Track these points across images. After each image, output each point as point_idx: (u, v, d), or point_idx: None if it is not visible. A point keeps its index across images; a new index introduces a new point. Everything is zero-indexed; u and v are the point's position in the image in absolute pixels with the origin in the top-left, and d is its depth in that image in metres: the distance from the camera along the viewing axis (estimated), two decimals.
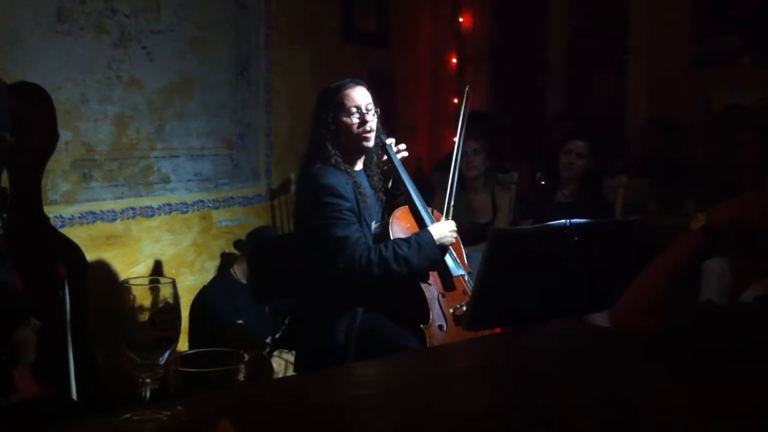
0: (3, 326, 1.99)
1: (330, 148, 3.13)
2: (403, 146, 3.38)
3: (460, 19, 6.54)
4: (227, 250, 4.77)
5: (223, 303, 4.26)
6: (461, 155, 3.62)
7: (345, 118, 3.14)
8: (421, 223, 3.24)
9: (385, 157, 3.34)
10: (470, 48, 6.56)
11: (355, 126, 3.14)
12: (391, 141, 3.33)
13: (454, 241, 3.23)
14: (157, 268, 4.40)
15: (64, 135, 3.76)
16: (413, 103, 6.28)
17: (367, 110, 3.16)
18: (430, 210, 3.35)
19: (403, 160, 3.38)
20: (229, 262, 4.66)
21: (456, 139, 3.54)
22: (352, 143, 3.17)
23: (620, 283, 1.97)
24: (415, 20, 6.34)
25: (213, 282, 4.52)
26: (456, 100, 6.50)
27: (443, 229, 3.17)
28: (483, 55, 6.57)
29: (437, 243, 3.12)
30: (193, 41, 4.49)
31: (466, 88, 3.61)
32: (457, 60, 6.57)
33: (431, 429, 1.47)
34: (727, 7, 5.56)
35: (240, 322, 4.25)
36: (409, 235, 3.17)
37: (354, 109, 3.14)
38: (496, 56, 6.61)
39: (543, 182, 4.91)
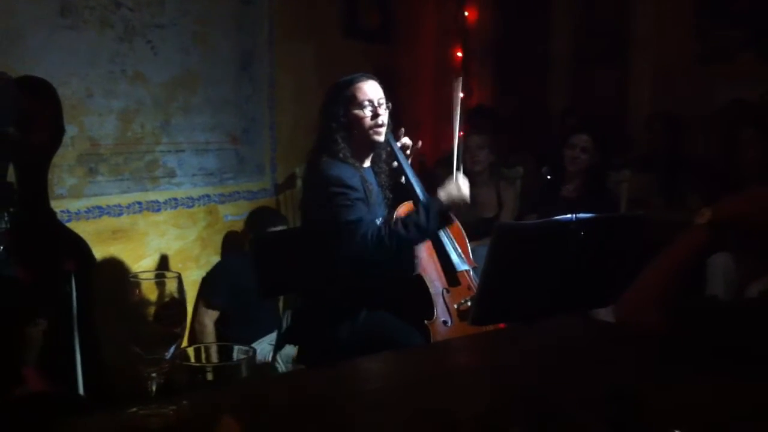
0: (15, 323, 2.00)
1: (339, 142, 3.11)
2: (407, 141, 3.38)
3: (466, 14, 6.52)
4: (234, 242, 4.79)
5: (224, 276, 4.29)
6: (465, 150, 3.60)
7: (357, 111, 3.12)
8: None
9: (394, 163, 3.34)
10: (474, 43, 6.55)
11: (368, 119, 3.12)
12: (403, 140, 3.34)
13: (466, 196, 3.14)
14: (163, 263, 4.40)
15: (70, 129, 3.76)
16: (417, 99, 6.27)
17: (379, 104, 3.14)
18: None
19: (408, 152, 3.37)
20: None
21: (455, 136, 3.50)
22: (362, 137, 3.15)
23: (625, 277, 1.97)
24: (418, 15, 6.33)
25: (228, 260, 4.53)
26: (461, 95, 6.48)
27: (451, 188, 3.11)
28: (487, 50, 6.56)
29: (446, 203, 3.06)
30: (196, 36, 4.49)
31: (458, 79, 3.52)
32: (462, 55, 6.56)
33: (433, 426, 1.47)
34: (730, 2, 5.54)
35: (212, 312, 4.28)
36: None
37: (366, 103, 3.12)
38: (500, 51, 6.60)
39: (548, 177, 4.91)
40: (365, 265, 3.03)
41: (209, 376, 1.31)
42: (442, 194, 3.09)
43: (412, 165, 3.39)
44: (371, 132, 3.14)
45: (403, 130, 3.38)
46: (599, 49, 6.38)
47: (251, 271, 3.65)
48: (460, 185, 3.14)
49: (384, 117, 3.15)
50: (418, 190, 3.27)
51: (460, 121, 3.45)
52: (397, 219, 3.05)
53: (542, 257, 2.00)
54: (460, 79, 3.50)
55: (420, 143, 3.43)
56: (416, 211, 3.05)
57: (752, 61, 5.44)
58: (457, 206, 3.13)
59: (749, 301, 2.66)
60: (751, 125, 4.64)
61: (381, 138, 3.17)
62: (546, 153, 5.48)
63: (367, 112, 3.12)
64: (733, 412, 1.52)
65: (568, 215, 2.01)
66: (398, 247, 2.98)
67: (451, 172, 3.36)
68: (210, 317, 4.33)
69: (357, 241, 2.95)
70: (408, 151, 3.38)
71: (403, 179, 3.35)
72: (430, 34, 6.47)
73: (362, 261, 3.00)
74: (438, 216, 3.04)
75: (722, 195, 1.89)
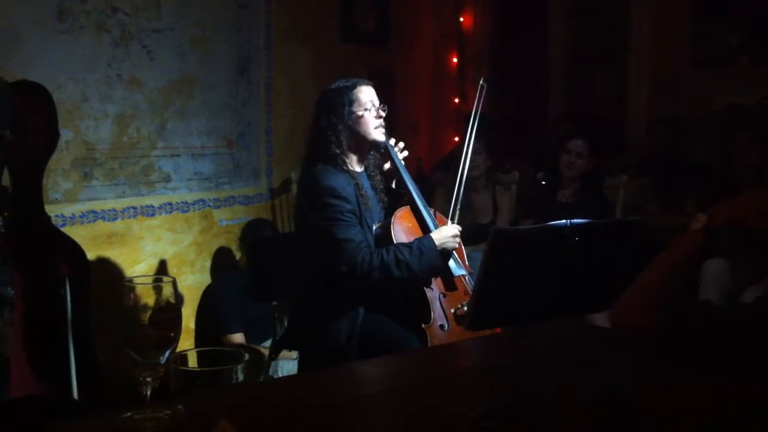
0: None
1: (334, 148, 3.15)
2: (401, 145, 3.39)
3: (461, 19, 6.53)
4: (229, 247, 4.78)
5: (229, 305, 4.28)
6: (460, 156, 3.60)
7: (363, 112, 3.17)
8: (423, 223, 3.24)
9: (388, 164, 3.35)
10: (471, 47, 6.56)
11: (374, 118, 3.19)
12: (392, 141, 3.35)
13: (456, 246, 3.23)
14: (159, 267, 4.40)
15: (65, 134, 3.76)
16: (413, 103, 6.28)
17: (381, 105, 3.21)
18: (432, 210, 3.35)
19: (404, 159, 3.38)
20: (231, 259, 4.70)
21: (466, 138, 3.49)
22: (365, 137, 3.20)
23: (620, 282, 1.97)
24: (415, 20, 6.34)
25: (219, 282, 4.53)
26: (457, 100, 6.50)
27: (445, 234, 3.17)
28: (483, 54, 6.56)
29: (439, 248, 3.12)
30: (193, 40, 4.49)
31: (481, 82, 3.49)
32: (458, 60, 6.56)
33: (430, 429, 1.47)
34: (727, 6, 5.56)
35: (238, 335, 4.28)
36: (411, 234, 3.18)
37: (370, 104, 3.18)
38: (497, 56, 6.61)
39: (544, 182, 4.91)
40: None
41: (204, 381, 1.31)
42: (437, 240, 3.13)
43: (405, 164, 3.41)
44: (376, 131, 3.20)
45: (398, 143, 3.40)
46: (596, 53, 6.39)
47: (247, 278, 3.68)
48: (456, 233, 3.21)
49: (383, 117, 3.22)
50: (416, 195, 3.29)
51: (474, 128, 3.44)
52: (390, 248, 3.06)
53: (538, 262, 1.99)
54: (485, 84, 3.47)
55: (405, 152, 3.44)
56: (409, 247, 3.06)
57: (749, 65, 5.46)
58: (448, 250, 3.19)
59: (745, 306, 2.66)
60: (748, 129, 4.64)
61: (383, 137, 3.22)
62: (542, 158, 5.49)
63: (373, 113, 3.18)
64: (732, 413, 1.52)
65: (564, 220, 2.01)
66: (386, 279, 3.03)
67: (449, 177, 3.37)
68: None
69: (345, 262, 3.01)
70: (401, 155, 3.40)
71: (394, 183, 3.38)
72: (427, 37, 6.48)
73: (350, 282, 3.05)
74: (429, 263, 3.09)
75: (718, 200, 1.89)
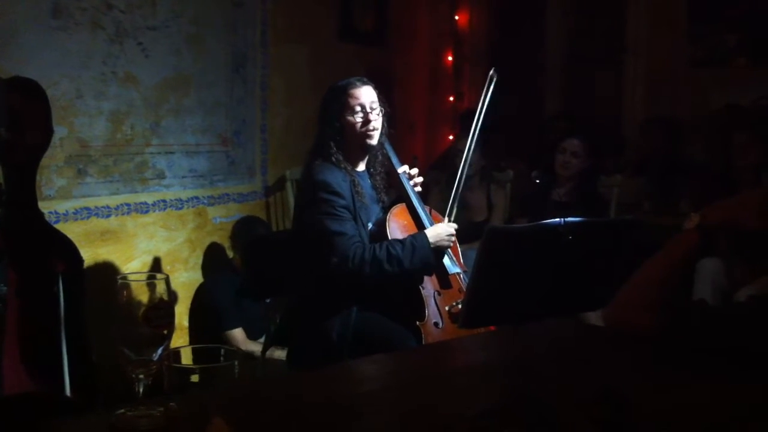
0: None
1: (332, 146, 3.17)
2: (415, 171, 3.39)
3: (456, 18, 6.52)
4: (223, 244, 4.77)
5: (226, 302, 4.27)
6: (456, 154, 3.60)
7: (349, 117, 3.17)
8: (418, 221, 3.24)
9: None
10: (467, 46, 6.55)
11: (359, 125, 3.17)
12: (404, 168, 3.35)
13: (451, 244, 3.22)
14: (152, 264, 4.38)
15: (59, 131, 3.75)
16: (410, 102, 6.27)
17: (371, 109, 3.18)
18: (427, 208, 3.35)
19: (400, 156, 3.39)
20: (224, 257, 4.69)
21: (471, 134, 3.43)
22: (355, 141, 3.20)
23: (615, 281, 1.97)
24: (412, 19, 6.33)
25: (213, 280, 4.51)
26: (452, 98, 6.50)
27: (440, 232, 3.16)
28: (480, 53, 6.56)
29: (432, 246, 3.11)
30: (188, 38, 4.48)
31: (491, 72, 3.34)
32: (454, 59, 6.56)
33: (427, 428, 1.46)
34: (724, 7, 5.56)
35: (238, 330, 4.26)
36: (406, 232, 3.18)
37: (358, 108, 3.17)
38: (494, 55, 6.60)
39: (538, 181, 4.91)
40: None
41: (197, 378, 1.30)
42: (431, 237, 3.12)
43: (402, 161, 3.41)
44: (363, 136, 3.18)
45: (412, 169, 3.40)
46: (595, 53, 6.39)
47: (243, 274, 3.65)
48: (452, 232, 3.20)
49: (376, 122, 3.19)
50: (411, 192, 3.29)
51: (480, 122, 3.37)
52: (383, 243, 3.06)
53: (532, 260, 1.99)
54: (495, 74, 3.33)
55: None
56: (402, 243, 3.06)
57: (746, 65, 5.46)
58: (442, 248, 3.18)
59: (738, 305, 2.66)
60: (745, 130, 4.65)
61: (373, 141, 3.21)
62: (537, 157, 5.49)
63: (358, 118, 3.16)
64: (731, 413, 1.51)
65: (557, 219, 2.01)
66: (377, 274, 3.02)
67: (444, 176, 3.37)
68: None
69: (337, 255, 3.01)
70: (412, 182, 3.39)
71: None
72: (424, 37, 6.47)
73: (341, 276, 3.05)
74: (421, 260, 3.08)
75: (714, 200, 1.89)
